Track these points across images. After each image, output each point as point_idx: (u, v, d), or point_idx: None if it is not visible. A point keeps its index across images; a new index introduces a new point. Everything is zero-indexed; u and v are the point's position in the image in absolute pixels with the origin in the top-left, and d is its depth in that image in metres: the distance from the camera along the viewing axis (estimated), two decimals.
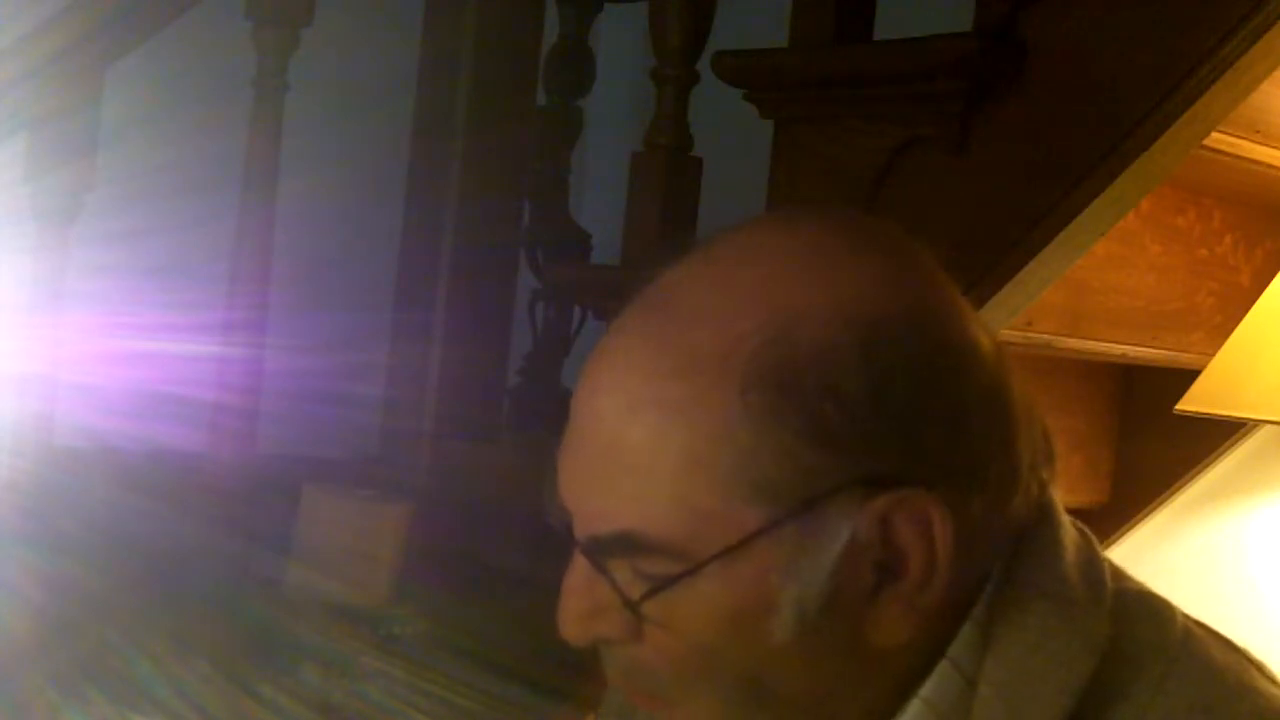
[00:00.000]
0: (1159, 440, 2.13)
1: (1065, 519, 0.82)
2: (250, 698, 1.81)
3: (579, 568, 0.80)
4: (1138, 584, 0.83)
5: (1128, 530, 2.15)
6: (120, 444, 1.99)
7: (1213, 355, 1.84)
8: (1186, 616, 0.82)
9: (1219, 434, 2.10)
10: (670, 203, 1.86)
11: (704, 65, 1.83)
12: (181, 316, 2.08)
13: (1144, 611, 0.81)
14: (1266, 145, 1.71)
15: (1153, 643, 0.79)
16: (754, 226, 0.82)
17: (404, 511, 2.01)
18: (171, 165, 2.51)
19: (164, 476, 1.99)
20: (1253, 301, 1.85)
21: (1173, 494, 2.16)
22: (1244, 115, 1.59)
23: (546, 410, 2.41)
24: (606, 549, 0.78)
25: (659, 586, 0.76)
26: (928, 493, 0.74)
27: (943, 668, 0.78)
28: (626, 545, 0.76)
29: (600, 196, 2.71)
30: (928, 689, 0.78)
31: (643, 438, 0.75)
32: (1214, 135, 1.57)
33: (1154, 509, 2.16)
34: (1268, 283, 1.85)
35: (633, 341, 0.78)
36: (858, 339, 0.74)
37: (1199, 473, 2.15)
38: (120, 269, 2.23)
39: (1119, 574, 0.83)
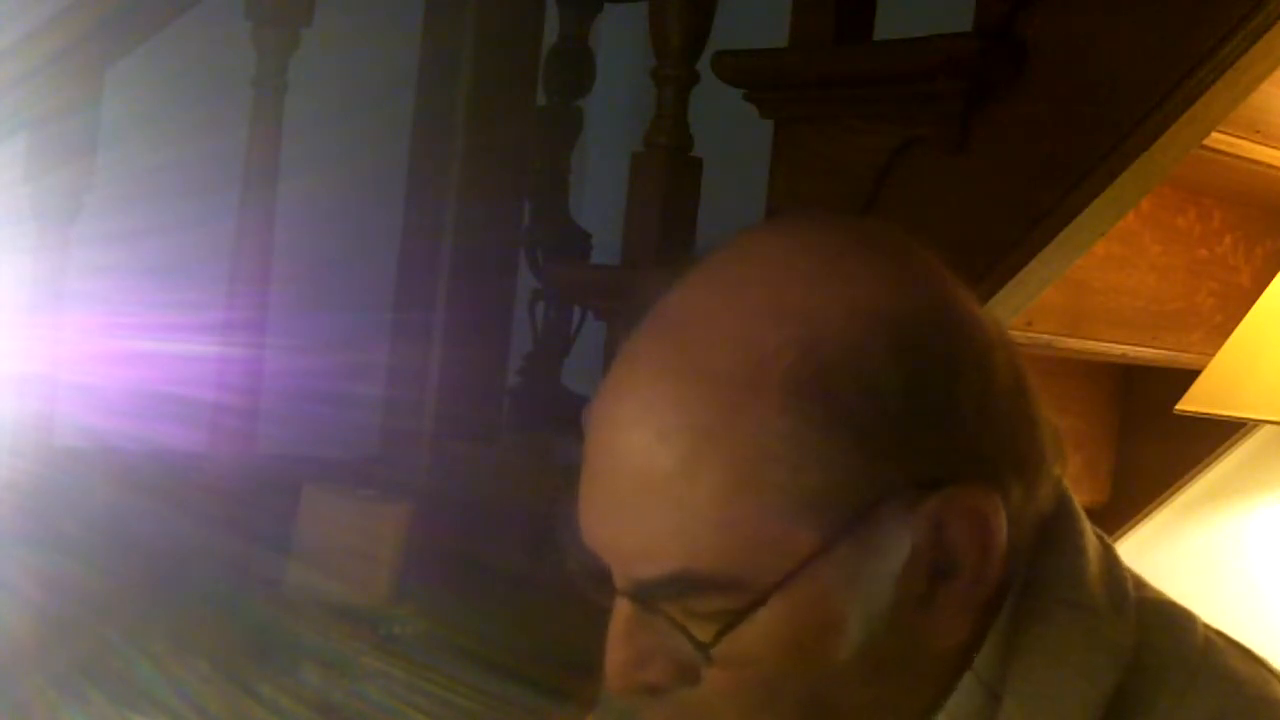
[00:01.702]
0: (1159, 440, 2.13)
1: (1087, 525, 0.81)
2: (250, 698, 1.81)
3: (621, 615, 0.76)
4: (1157, 593, 0.83)
5: (1128, 530, 2.15)
6: (120, 444, 1.99)
7: (1213, 355, 1.84)
8: (1207, 626, 0.81)
9: (1219, 434, 2.10)
10: (670, 203, 1.86)
11: (704, 65, 1.83)
12: (181, 316, 2.08)
13: (1165, 622, 0.80)
14: (1266, 145, 1.71)
15: (1174, 654, 0.78)
16: (754, 239, 0.79)
17: (404, 511, 2.01)
18: (171, 165, 2.51)
19: (164, 476, 1.99)
20: (1253, 301, 1.85)
21: (1173, 494, 2.16)
22: (1244, 115, 1.59)
23: (546, 410, 2.41)
24: (656, 592, 0.74)
25: (729, 624, 0.72)
26: (975, 487, 0.73)
27: (967, 680, 0.77)
28: (680, 586, 0.73)
29: (600, 196, 2.71)
30: (951, 702, 0.77)
31: (680, 468, 0.72)
32: (1214, 135, 1.57)
33: (1154, 509, 2.17)
34: (1268, 283, 1.85)
35: (652, 371, 0.74)
36: (886, 339, 0.72)
37: (1199, 473, 2.15)
38: (120, 269, 2.22)
39: (1140, 583, 0.82)
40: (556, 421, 2.41)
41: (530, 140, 2.37)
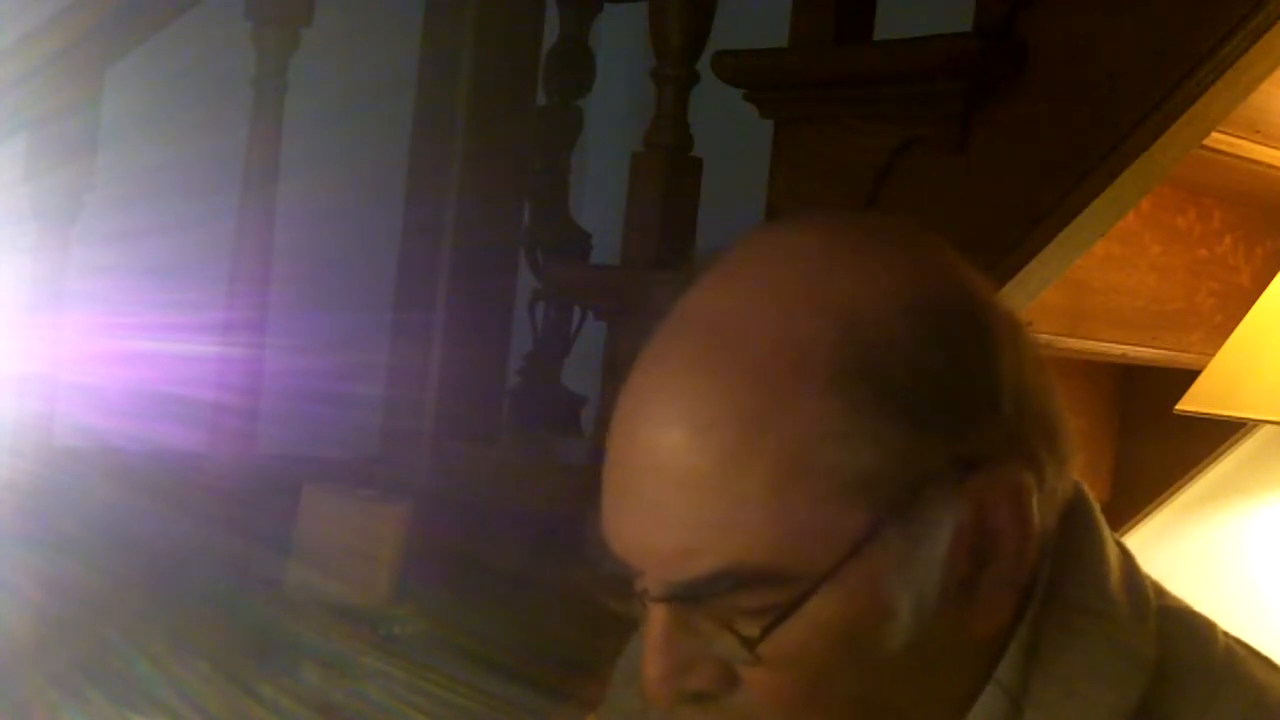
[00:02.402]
0: (1159, 440, 2.13)
1: (1108, 533, 0.81)
2: (250, 698, 1.81)
3: (658, 622, 0.74)
4: (1178, 601, 0.82)
5: (1128, 530, 2.15)
6: (120, 444, 1.99)
7: (1213, 355, 1.84)
8: (1227, 634, 0.81)
9: (1219, 434, 2.09)
10: (670, 203, 1.86)
11: (704, 65, 1.83)
12: (181, 316, 2.08)
13: (1186, 630, 0.79)
14: (1266, 145, 1.71)
15: (1196, 663, 0.77)
16: (767, 238, 0.79)
17: (404, 511, 2.01)
18: (171, 165, 2.51)
19: (164, 476, 1.99)
20: (1253, 301, 1.85)
21: (1173, 494, 2.16)
22: (1244, 115, 1.59)
23: (546, 410, 2.42)
24: (702, 591, 0.72)
25: (779, 617, 0.70)
26: (1016, 466, 0.73)
27: (990, 690, 0.76)
28: (729, 582, 0.71)
29: (600, 196, 2.71)
30: (976, 713, 0.76)
31: (725, 459, 0.71)
32: (1214, 135, 1.57)
33: (1154, 509, 2.16)
34: (1268, 283, 1.85)
35: (686, 365, 0.73)
36: (923, 319, 0.72)
37: (1199, 473, 2.15)
38: (120, 269, 2.23)
39: (1160, 591, 0.81)
40: (556, 421, 2.41)
41: (530, 140, 2.37)
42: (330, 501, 2.03)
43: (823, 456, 0.70)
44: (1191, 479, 2.15)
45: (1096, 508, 0.81)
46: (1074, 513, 0.80)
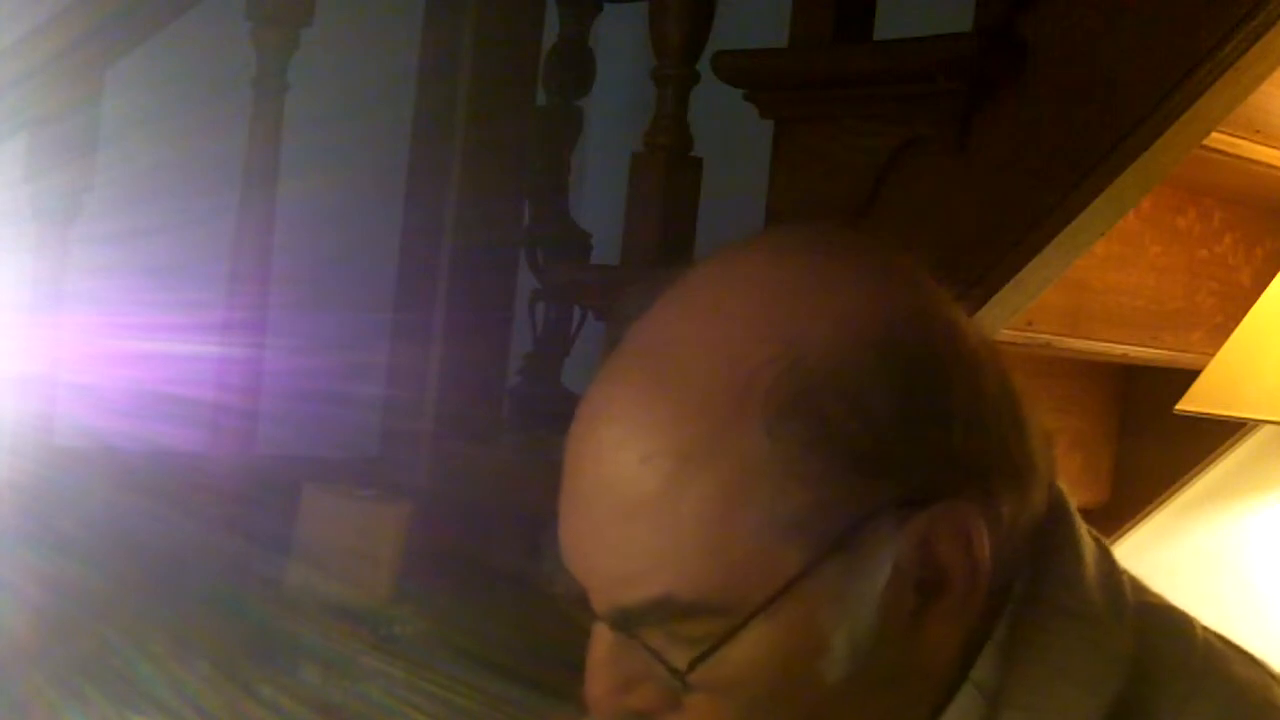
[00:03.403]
0: (1159, 440, 2.13)
1: (1084, 530, 0.81)
2: (250, 698, 1.81)
3: (601, 640, 0.75)
4: (1157, 597, 0.82)
5: (1128, 530, 2.15)
6: (120, 444, 1.98)
7: (1213, 355, 1.84)
8: (1207, 630, 0.81)
9: (1219, 434, 2.10)
10: (670, 203, 1.86)
11: (704, 65, 1.83)
12: (181, 316, 2.08)
13: (1165, 627, 0.79)
14: (1266, 145, 1.71)
15: (1175, 660, 0.77)
16: (727, 259, 0.78)
17: (404, 511, 2.01)
18: (171, 165, 2.51)
19: (164, 476, 1.99)
20: (1253, 301, 1.85)
21: (1173, 494, 2.16)
22: (1244, 115, 1.59)
23: (546, 410, 2.41)
24: (638, 618, 0.73)
25: (707, 651, 0.71)
26: (962, 502, 0.72)
27: (966, 691, 0.76)
28: (664, 611, 0.72)
29: (600, 196, 2.71)
30: (951, 713, 0.76)
31: (663, 490, 0.71)
32: (1214, 135, 1.57)
33: (1154, 509, 2.16)
34: (1268, 283, 1.85)
35: (633, 392, 0.73)
36: (872, 353, 0.71)
37: (1199, 473, 2.15)
38: (120, 269, 2.22)
39: (1138, 587, 0.81)
40: (556, 421, 2.41)
41: (530, 140, 2.37)
42: (330, 501, 2.03)
43: (759, 494, 0.70)
44: (1191, 479, 2.15)
45: (1073, 507, 0.81)
46: (1050, 513, 0.79)
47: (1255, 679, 0.79)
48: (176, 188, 2.50)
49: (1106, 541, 0.83)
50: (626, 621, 0.73)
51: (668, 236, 1.84)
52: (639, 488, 0.71)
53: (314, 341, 2.14)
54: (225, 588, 1.93)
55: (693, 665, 0.71)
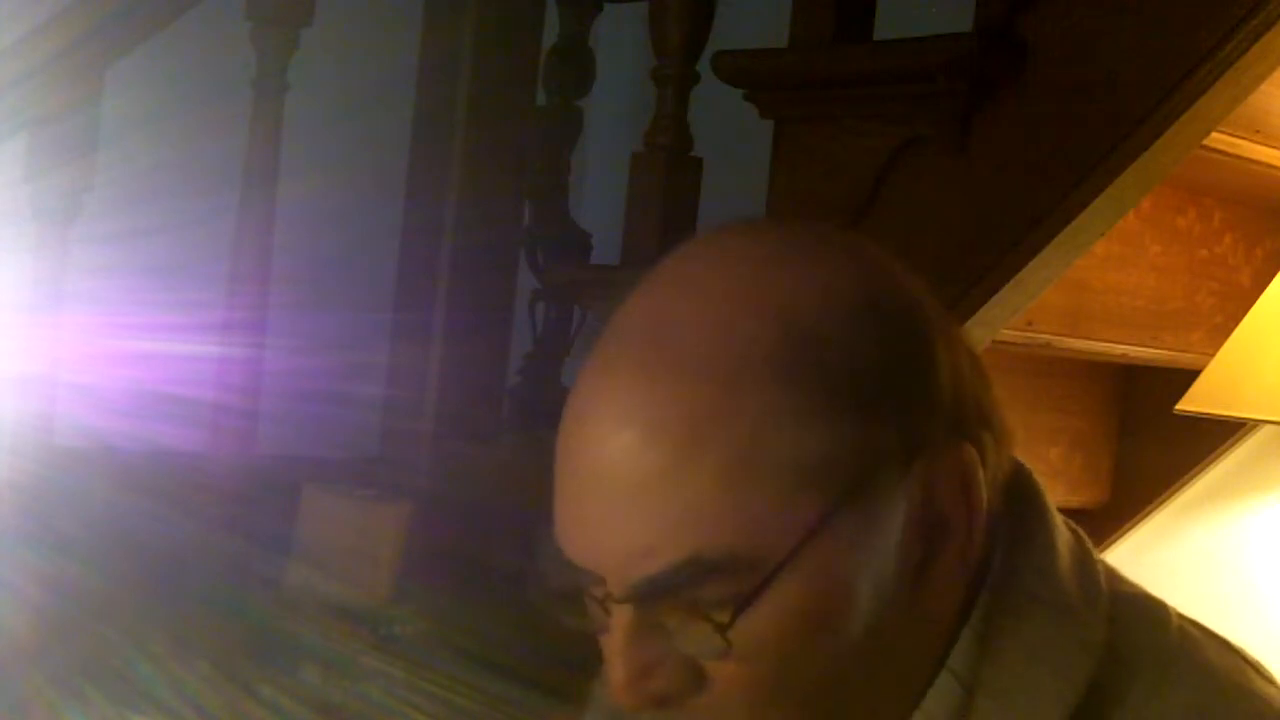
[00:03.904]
0: (1159, 440, 2.13)
1: (1058, 519, 0.82)
2: (250, 698, 1.81)
3: (621, 625, 0.75)
4: (1132, 585, 0.83)
5: (1128, 530, 2.15)
6: (120, 444, 1.99)
7: (1213, 355, 1.84)
8: (1182, 617, 0.82)
9: (1219, 434, 2.10)
10: (670, 203, 1.86)
11: (704, 65, 1.83)
12: (181, 316, 2.08)
13: (1139, 614, 0.80)
14: (1266, 145, 1.71)
15: (1148, 647, 0.78)
16: (709, 241, 0.80)
17: (404, 511, 2.01)
18: (171, 165, 2.51)
19: (164, 476, 1.99)
20: (1253, 301, 1.85)
21: (1173, 494, 2.16)
22: (1244, 115, 1.59)
23: (546, 410, 2.41)
24: (664, 585, 0.73)
25: (742, 604, 0.72)
26: (958, 447, 0.75)
27: (943, 678, 0.78)
28: (690, 572, 0.72)
29: (600, 196, 2.71)
30: (928, 700, 0.78)
31: (676, 457, 0.72)
32: (1214, 135, 1.57)
33: (1154, 509, 2.17)
34: (1268, 283, 1.85)
35: (630, 373, 0.74)
36: (858, 316, 0.74)
37: (1199, 473, 2.15)
38: (120, 269, 2.22)
39: (1113, 576, 0.83)
40: (556, 421, 2.41)
41: (530, 140, 2.37)
42: (330, 501, 2.03)
43: (771, 446, 0.72)
44: (1191, 479, 2.15)
45: (1046, 494, 0.83)
46: (1024, 500, 0.82)
47: (1229, 664, 0.80)
48: (176, 188, 2.49)
49: (1084, 533, 0.84)
50: (652, 592, 0.73)
51: (668, 236, 1.84)
52: (651, 458, 0.72)
53: (314, 341, 2.14)
54: (225, 588, 1.93)
55: (734, 616, 0.72)
